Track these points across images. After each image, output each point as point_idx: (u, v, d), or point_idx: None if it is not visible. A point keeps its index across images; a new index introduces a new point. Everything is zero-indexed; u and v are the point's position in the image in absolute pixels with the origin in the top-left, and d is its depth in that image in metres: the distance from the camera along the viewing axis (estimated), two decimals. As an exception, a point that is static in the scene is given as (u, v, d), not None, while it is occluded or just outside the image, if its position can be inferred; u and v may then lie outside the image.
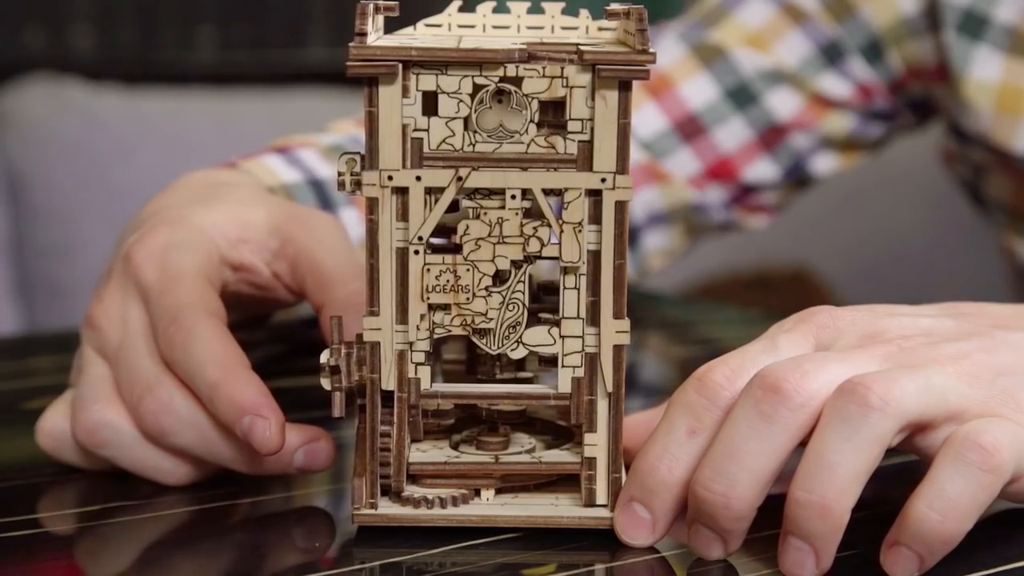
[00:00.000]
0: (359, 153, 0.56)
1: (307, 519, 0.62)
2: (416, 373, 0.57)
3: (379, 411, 0.57)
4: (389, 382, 0.57)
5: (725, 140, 1.03)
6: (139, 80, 2.03)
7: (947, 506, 0.52)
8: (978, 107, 0.97)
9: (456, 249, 0.56)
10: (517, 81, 0.55)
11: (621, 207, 0.56)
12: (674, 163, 1.03)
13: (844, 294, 2.16)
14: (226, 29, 2.19)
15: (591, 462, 0.58)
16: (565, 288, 0.56)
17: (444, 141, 0.55)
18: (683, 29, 1.05)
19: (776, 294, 2.12)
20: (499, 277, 0.56)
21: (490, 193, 0.56)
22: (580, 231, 0.56)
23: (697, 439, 0.55)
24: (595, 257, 0.56)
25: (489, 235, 0.56)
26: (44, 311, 1.92)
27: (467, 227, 0.56)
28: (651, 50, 0.54)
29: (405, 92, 0.55)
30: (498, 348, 0.57)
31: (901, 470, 0.61)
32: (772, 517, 0.54)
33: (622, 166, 0.55)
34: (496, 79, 0.55)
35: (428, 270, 0.56)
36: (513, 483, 0.59)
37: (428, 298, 0.56)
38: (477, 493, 0.58)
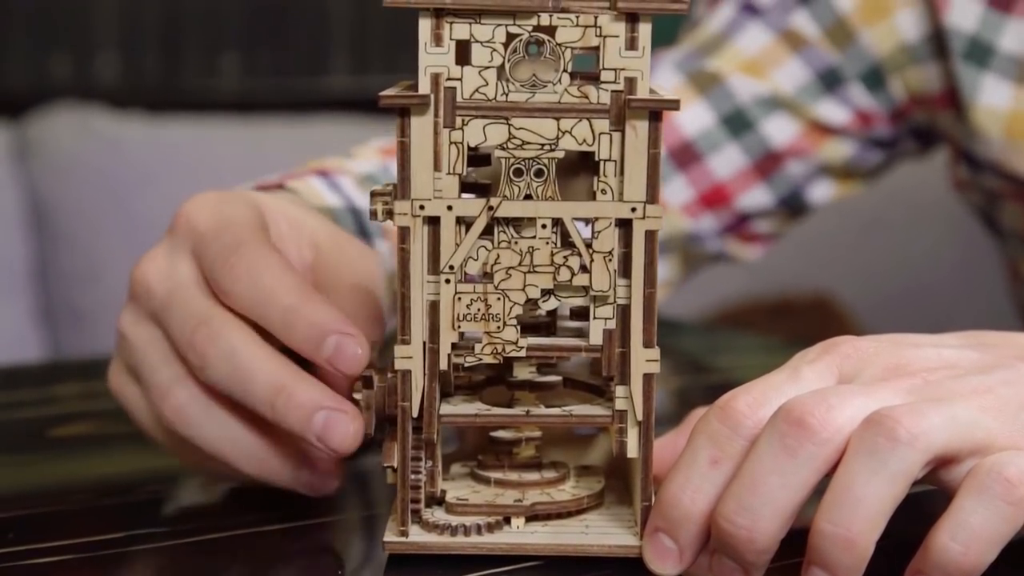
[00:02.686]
0: (392, 184, 0.56)
1: (334, 546, 0.62)
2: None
3: (410, 439, 0.57)
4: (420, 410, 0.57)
5: (720, 167, 1.02)
6: (163, 108, 2.04)
7: (970, 537, 0.52)
8: (989, 135, 0.96)
9: (487, 278, 0.56)
10: (550, 30, 0.55)
11: (651, 236, 0.56)
12: (668, 191, 1.02)
13: (866, 321, 2.16)
14: (249, 57, 2.20)
15: (622, 415, 0.57)
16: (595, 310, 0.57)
17: (477, 90, 0.55)
18: (679, 58, 1.04)
19: (797, 321, 2.12)
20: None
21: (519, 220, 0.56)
22: (610, 260, 0.56)
23: (720, 469, 0.55)
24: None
25: (520, 264, 0.56)
26: (68, 337, 1.92)
27: (498, 256, 0.56)
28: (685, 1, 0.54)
29: (439, 41, 0.55)
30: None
31: (924, 499, 0.62)
32: (795, 546, 0.54)
33: (652, 195, 0.56)
34: (530, 28, 0.55)
35: (459, 299, 0.56)
36: (547, 510, 0.59)
37: (459, 327, 0.56)
38: (507, 521, 0.59)
